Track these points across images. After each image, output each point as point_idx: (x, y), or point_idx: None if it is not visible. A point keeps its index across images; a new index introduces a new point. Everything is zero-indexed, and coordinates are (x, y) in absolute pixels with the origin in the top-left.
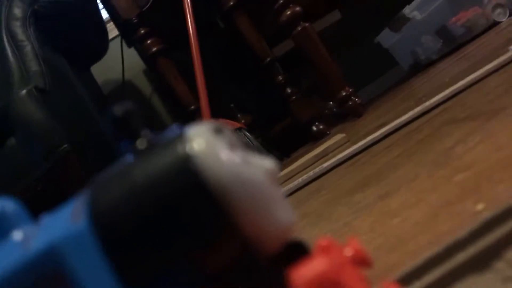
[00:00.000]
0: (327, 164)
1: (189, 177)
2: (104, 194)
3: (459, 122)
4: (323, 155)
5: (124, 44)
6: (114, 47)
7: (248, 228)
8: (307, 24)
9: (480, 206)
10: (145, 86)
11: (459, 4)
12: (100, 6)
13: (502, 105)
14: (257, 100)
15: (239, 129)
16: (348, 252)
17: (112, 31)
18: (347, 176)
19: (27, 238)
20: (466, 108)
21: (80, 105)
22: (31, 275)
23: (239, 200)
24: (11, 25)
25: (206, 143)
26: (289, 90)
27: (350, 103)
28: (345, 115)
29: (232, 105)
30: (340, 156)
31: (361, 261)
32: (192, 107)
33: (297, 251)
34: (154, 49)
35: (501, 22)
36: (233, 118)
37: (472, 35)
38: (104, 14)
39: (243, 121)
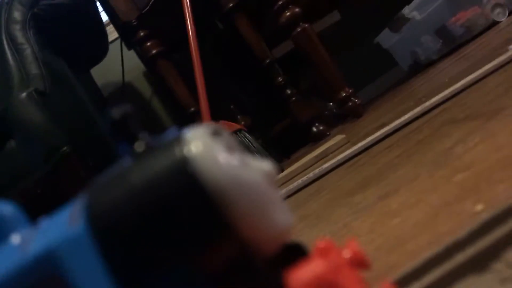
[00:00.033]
0: (327, 165)
1: (187, 180)
2: (102, 197)
3: (459, 122)
4: (323, 156)
5: (123, 46)
6: (114, 49)
7: (246, 230)
8: (306, 25)
9: (479, 207)
10: (145, 89)
11: (458, 4)
12: (100, 8)
13: (501, 105)
14: (257, 102)
15: (239, 130)
16: (346, 254)
17: (112, 33)
18: (347, 177)
19: (25, 242)
20: (466, 108)
21: (80, 108)
22: (29, 278)
23: (236, 202)
24: (11, 28)
25: (204, 145)
26: (289, 91)
27: (350, 103)
28: (345, 115)
29: (232, 106)
30: (340, 157)
31: (359, 263)
32: (192, 109)
33: (295, 253)
34: (154, 51)
35: (500, 21)
36: (233, 119)
37: (472, 35)
38: (104, 17)
39: (243, 122)
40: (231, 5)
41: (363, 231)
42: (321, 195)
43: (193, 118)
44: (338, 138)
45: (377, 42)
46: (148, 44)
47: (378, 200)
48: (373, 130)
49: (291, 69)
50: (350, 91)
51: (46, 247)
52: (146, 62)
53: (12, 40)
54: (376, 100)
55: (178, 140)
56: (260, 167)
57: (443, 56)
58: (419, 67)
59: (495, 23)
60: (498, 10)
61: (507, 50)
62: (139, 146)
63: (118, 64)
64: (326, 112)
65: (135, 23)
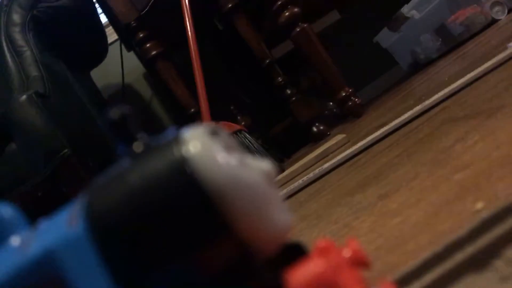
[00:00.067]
0: (327, 165)
1: (185, 180)
2: (101, 198)
3: (459, 120)
4: (324, 156)
5: (123, 48)
6: (114, 51)
7: (245, 230)
8: (306, 25)
9: (479, 205)
10: (145, 90)
11: (457, 2)
12: (99, 10)
13: (501, 103)
14: (257, 102)
15: (239, 131)
16: (347, 253)
17: (111, 35)
18: (347, 176)
19: (25, 243)
20: (466, 106)
21: (80, 110)
22: (28, 279)
23: (235, 202)
24: (10, 30)
25: (202, 145)
26: (289, 91)
27: (350, 103)
28: (345, 115)
29: (232, 107)
30: (340, 156)
31: (360, 262)
32: (192, 110)
33: (295, 253)
34: (153, 52)
35: (499, 19)
36: (233, 120)
37: (471, 33)
38: (103, 19)
39: (243, 123)
40: (230, 5)
41: (363, 230)
42: (321, 195)
43: (193, 119)
44: (339, 138)
45: (377, 41)
46: (148, 45)
47: (378, 199)
48: (373, 129)
49: (291, 69)
50: (350, 90)
51: (45, 248)
52: (146, 63)
53: (11, 42)
54: (376, 99)
55: (176, 140)
56: (259, 166)
57: (443, 55)
58: (418, 66)
59: (494, 21)
60: (497, 8)
61: (506, 48)
62: (137, 147)
63: (118, 66)
64: (326, 112)
65: (134, 24)
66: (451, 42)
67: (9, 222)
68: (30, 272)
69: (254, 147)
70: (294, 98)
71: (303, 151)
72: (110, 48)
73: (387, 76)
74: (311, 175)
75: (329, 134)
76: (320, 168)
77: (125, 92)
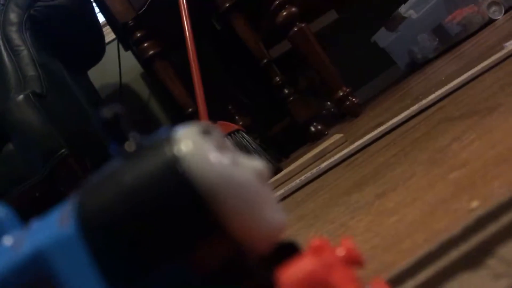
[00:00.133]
0: (324, 165)
1: (177, 179)
2: (92, 198)
3: (455, 120)
4: (321, 156)
5: (121, 47)
6: (111, 50)
7: (237, 229)
8: (303, 25)
9: (474, 203)
10: (142, 90)
11: (454, 2)
12: (96, 10)
13: (497, 103)
14: (255, 102)
15: (237, 131)
16: (340, 252)
17: (109, 34)
18: (344, 176)
19: (17, 243)
20: (462, 106)
21: (77, 110)
22: (20, 279)
23: (227, 201)
24: (7, 30)
25: (194, 144)
26: (286, 91)
27: (348, 103)
28: (343, 115)
29: (230, 107)
30: (338, 156)
31: (354, 261)
32: (190, 109)
33: (288, 252)
34: (151, 52)
35: (496, 19)
36: (231, 120)
37: (468, 33)
38: (101, 18)
39: (241, 123)
40: (227, 5)
41: (360, 230)
42: (318, 195)
43: (191, 119)
44: (336, 137)
45: (374, 41)
46: (145, 45)
47: (375, 199)
48: (370, 129)
49: (289, 69)
50: (348, 90)
51: (35, 248)
52: (143, 63)
53: (8, 42)
54: (373, 99)
55: (168, 139)
56: (251, 165)
57: (440, 55)
58: (416, 66)
59: (491, 21)
60: (494, 8)
61: (502, 48)
62: (129, 146)
63: (115, 65)
64: (324, 111)
65: (131, 24)
66: (448, 41)
67: (2, 222)
68: (21, 272)
69: (252, 146)
70: (292, 98)
71: (301, 150)
72: (108, 48)
73: (385, 75)
74: (308, 174)
75: (327, 134)
76: (317, 167)
77: (122, 92)
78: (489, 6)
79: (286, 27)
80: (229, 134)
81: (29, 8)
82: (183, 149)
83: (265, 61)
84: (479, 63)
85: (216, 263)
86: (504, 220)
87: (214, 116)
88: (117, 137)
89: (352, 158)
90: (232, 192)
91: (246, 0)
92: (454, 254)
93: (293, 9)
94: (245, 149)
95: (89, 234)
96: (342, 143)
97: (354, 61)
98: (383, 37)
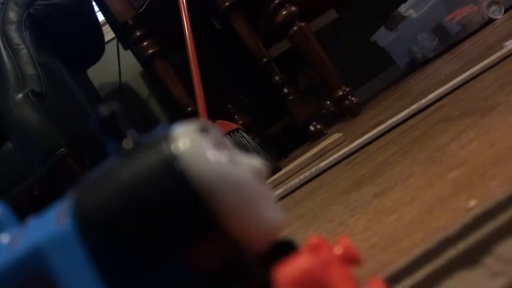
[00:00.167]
0: (323, 164)
1: (175, 177)
2: (89, 195)
3: (454, 119)
4: (321, 155)
5: (120, 46)
6: (111, 49)
7: (235, 227)
8: (303, 24)
9: (472, 202)
10: (142, 89)
11: (454, 2)
12: (96, 9)
13: (496, 102)
14: (255, 101)
15: (236, 130)
16: (338, 250)
17: (108, 33)
18: (343, 175)
19: (13, 241)
20: (461, 105)
21: (76, 109)
22: (16, 276)
23: (225, 199)
24: (6, 29)
25: (192, 142)
26: (286, 90)
27: (347, 102)
28: (342, 114)
29: (229, 106)
30: (337, 155)
31: (351, 259)
32: (189, 108)
33: (285, 250)
34: (151, 51)
35: (496, 19)
36: (231, 119)
37: (468, 32)
38: (100, 17)
39: (240, 122)
40: (227, 4)
41: (358, 228)
42: (317, 194)
43: (190, 118)
44: (336, 136)
45: (374, 40)
46: (145, 44)
47: (374, 197)
48: (369, 128)
49: (288, 68)
50: (347, 89)
51: (32, 246)
52: (143, 62)
53: (7, 40)
54: (373, 98)
55: (166, 137)
56: (249, 164)
57: (440, 54)
58: (415, 65)
59: (491, 20)
60: (494, 7)
61: (502, 47)
62: (127, 144)
63: (115, 64)
64: (323, 111)
65: (131, 23)
66: (448, 41)
67: None
68: (18, 269)
69: (251, 146)
70: (291, 97)
71: (300, 150)
72: (107, 47)
73: (384, 75)
74: (307, 173)
75: (326, 133)
76: (316, 166)
77: (122, 91)
78: (489, 5)
79: (285, 26)
80: (229, 133)
81: (28, 7)
82: (180, 147)
83: (264, 60)
84: (478, 63)
85: (214, 261)
86: (501, 218)
87: (214, 115)
88: (114, 134)
89: (351, 157)
90: (229, 190)
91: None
92: (452, 252)
93: (293, 8)
94: (244, 148)
95: (86, 232)
96: (342, 142)
97: (353, 61)
98: (382, 37)
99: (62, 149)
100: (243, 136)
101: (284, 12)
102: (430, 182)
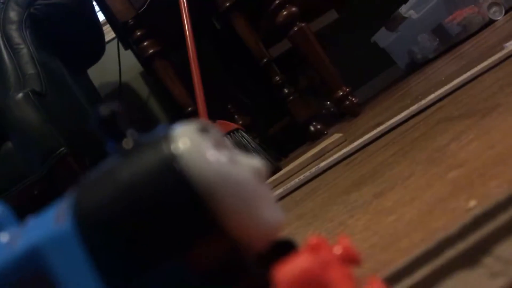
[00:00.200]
0: (323, 164)
1: (175, 177)
2: (89, 195)
3: (454, 120)
4: (321, 155)
5: (120, 46)
6: (111, 49)
7: (234, 227)
8: (303, 24)
9: (472, 203)
10: (142, 89)
11: (455, 2)
12: (97, 8)
13: (496, 103)
14: (255, 101)
15: (236, 130)
16: (337, 250)
17: (109, 33)
18: (343, 175)
19: (13, 240)
20: (461, 106)
21: (77, 108)
22: (15, 275)
23: (224, 199)
24: (7, 28)
25: (192, 142)
26: (286, 91)
27: (347, 102)
28: (343, 114)
29: (229, 106)
30: (337, 155)
31: (350, 259)
32: (190, 109)
33: (285, 250)
34: (151, 51)
35: (496, 20)
36: (231, 119)
37: (468, 33)
38: (101, 17)
39: (240, 122)
40: (228, 4)
41: (358, 228)
42: (317, 194)
43: (190, 118)
44: (336, 137)
45: (374, 41)
46: (145, 44)
47: (374, 198)
48: (369, 128)
49: (289, 68)
50: (348, 90)
51: (31, 245)
52: (143, 62)
53: (8, 40)
54: (373, 98)
55: (166, 137)
56: (249, 164)
57: (440, 55)
58: (416, 66)
59: (491, 21)
60: (494, 8)
61: (502, 48)
62: (127, 144)
63: (115, 64)
64: (323, 111)
65: (132, 23)
66: (449, 42)
67: None
68: (17, 268)
69: (251, 146)
70: (291, 97)
71: (300, 150)
72: (107, 47)
73: (385, 75)
74: (307, 173)
75: (326, 133)
76: (316, 167)
77: (122, 91)
78: (490, 6)
79: (286, 27)
80: (229, 133)
81: (29, 6)
82: (180, 146)
83: (265, 60)
84: (479, 64)
85: (213, 261)
86: (501, 219)
87: (214, 115)
88: (114, 134)
89: (351, 158)
90: (229, 190)
91: (246, 0)
92: (451, 252)
93: (293, 8)
94: (244, 148)
95: (86, 231)
96: (342, 143)
97: (354, 61)
98: (383, 37)
99: (62, 149)
100: (243, 136)
101: (285, 13)
102: (430, 182)
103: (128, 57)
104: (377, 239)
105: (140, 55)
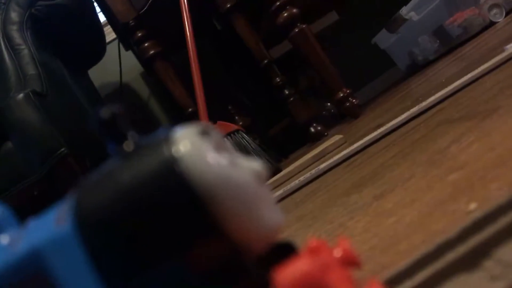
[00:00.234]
0: (323, 166)
1: (175, 179)
2: (90, 197)
3: (454, 122)
4: (321, 156)
5: (121, 47)
6: (112, 50)
7: (234, 229)
8: (304, 26)
9: (472, 205)
10: (143, 89)
11: (455, 4)
12: (97, 9)
13: (496, 105)
14: (255, 102)
15: (237, 131)
16: (337, 253)
17: (110, 34)
18: (343, 177)
19: (13, 242)
20: (462, 108)
21: (77, 109)
22: (15, 277)
23: (225, 202)
24: (8, 29)
25: (192, 145)
26: (286, 92)
27: (348, 104)
28: (343, 116)
29: (230, 107)
30: (337, 157)
31: (350, 262)
32: (190, 109)
33: (285, 252)
34: (152, 52)
35: (497, 22)
36: (232, 120)
37: (469, 35)
38: (101, 18)
39: (241, 123)
40: (228, 5)
41: (358, 230)
42: (317, 195)
43: (191, 119)
44: (336, 138)
45: (375, 42)
46: (146, 44)
47: (374, 199)
48: (370, 130)
49: (289, 69)
50: (348, 91)
51: (31, 247)
52: (144, 62)
53: (9, 40)
54: (373, 100)
55: (167, 140)
56: (249, 166)
57: (441, 57)
58: (416, 68)
59: (492, 23)
60: (495, 10)
61: (503, 50)
62: (128, 146)
63: (116, 65)
64: (324, 112)
65: (132, 23)
66: (449, 44)
67: None
68: (18, 270)
69: (252, 147)
70: (292, 99)
71: (300, 151)
72: (108, 47)
73: (385, 77)
74: (307, 175)
75: (327, 135)
76: (316, 168)
77: (122, 91)
78: (490, 8)
79: (287, 28)
80: (229, 134)
81: (30, 7)
82: (181, 149)
83: (265, 61)
84: (479, 66)
85: (213, 263)
86: (501, 222)
87: (214, 116)
88: (115, 136)
89: (352, 159)
90: (229, 193)
91: (247, 1)
92: (451, 255)
93: (294, 10)
94: (244, 150)
95: (86, 233)
96: (342, 144)
97: (354, 62)
98: (384, 39)
99: (62, 149)
100: (243, 137)
101: (285, 14)
102: (430, 184)
103: (129, 58)
104: (377, 241)
105: (140, 56)
